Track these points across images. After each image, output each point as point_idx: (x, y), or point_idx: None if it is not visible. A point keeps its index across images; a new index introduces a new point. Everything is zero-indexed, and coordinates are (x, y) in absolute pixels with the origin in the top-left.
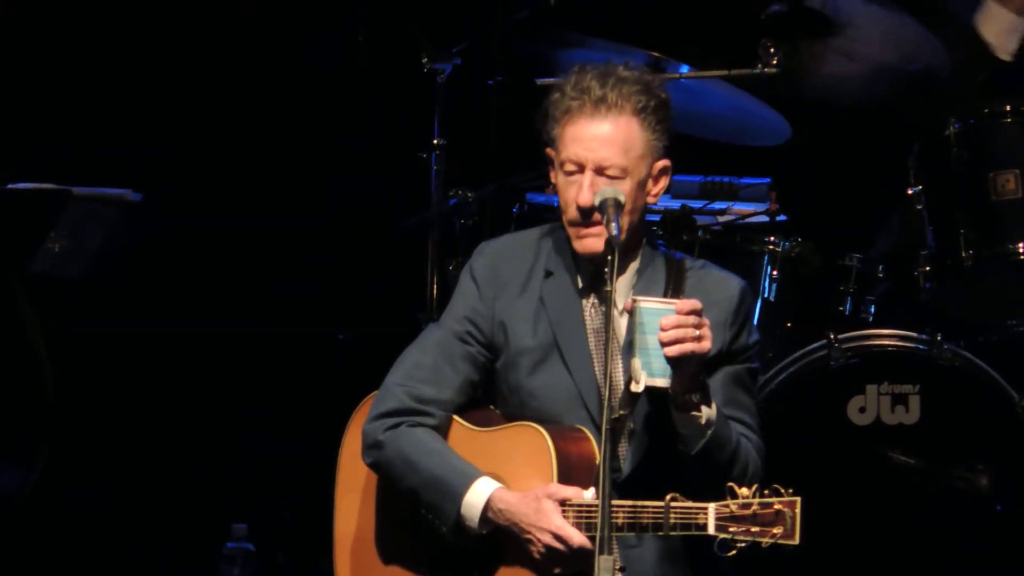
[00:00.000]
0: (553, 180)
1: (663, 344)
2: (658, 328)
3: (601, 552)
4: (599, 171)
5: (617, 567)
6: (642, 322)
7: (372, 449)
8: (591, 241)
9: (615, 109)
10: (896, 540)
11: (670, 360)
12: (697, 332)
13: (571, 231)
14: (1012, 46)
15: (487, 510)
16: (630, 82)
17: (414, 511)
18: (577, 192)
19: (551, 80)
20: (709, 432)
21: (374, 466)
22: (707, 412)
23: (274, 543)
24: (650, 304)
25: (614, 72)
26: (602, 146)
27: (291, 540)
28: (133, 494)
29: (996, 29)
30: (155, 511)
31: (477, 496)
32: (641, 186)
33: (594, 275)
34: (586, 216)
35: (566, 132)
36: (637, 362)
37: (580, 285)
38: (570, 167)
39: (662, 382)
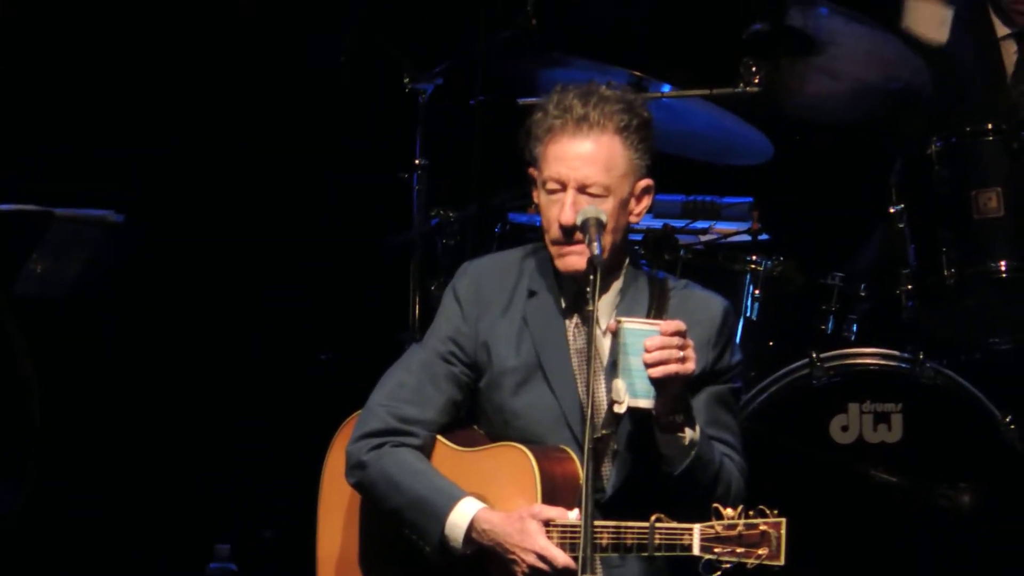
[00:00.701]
0: (535, 199)
1: (647, 365)
2: (642, 349)
3: (583, 572)
4: (581, 189)
5: None
6: (626, 343)
7: (355, 469)
8: (573, 259)
9: (597, 128)
10: (879, 559)
11: (654, 381)
12: (681, 353)
13: (553, 250)
14: (944, 34)
15: (471, 530)
16: (612, 101)
17: (398, 531)
18: (559, 211)
19: (533, 100)
20: (693, 453)
21: (357, 486)
22: (691, 433)
23: (256, 563)
24: (634, 325)
25: (596, 91)
26: (584, 164)
27: (273, 560)
28: (117, 514)
29: (926, 22)
30: (139, 531)
31: (461, 516)
32: (623, 205)
33: (577, 295)
34: (568, 235)
35: (548, 151)
36: (621, 383)
37: (563, 305)
38: (552, 185)
39: (646, 403)
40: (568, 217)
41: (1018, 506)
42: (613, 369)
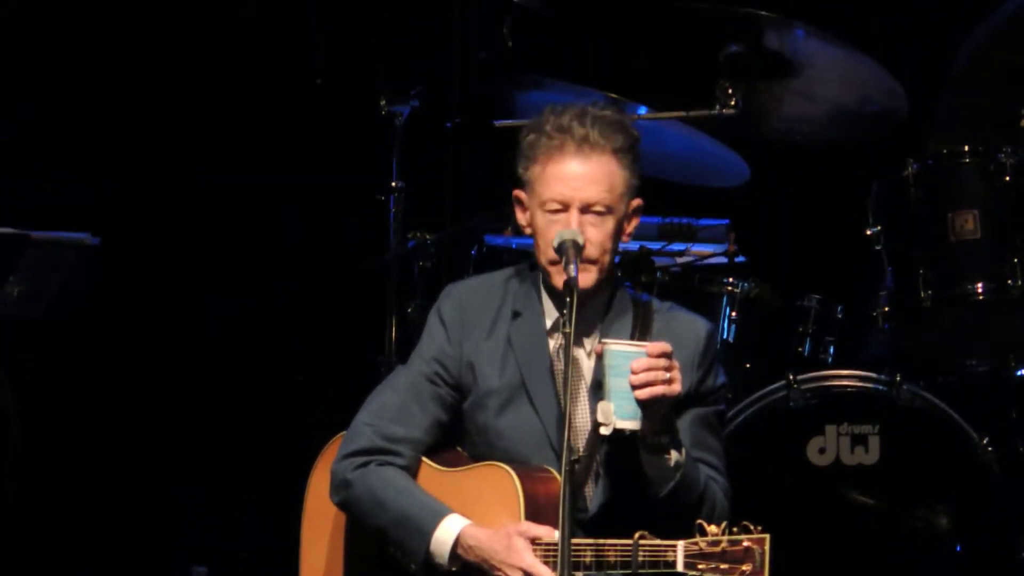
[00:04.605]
0: (522, 221)
1: (633, 387)
2: (628, 371)
3: None
4: (584, 209)
5: None
6: (612, 364)
7: (341, 488)
8: (579, 278)
9: (598, 148)
10: None
11: (640, 403)
12: (668, 375)
13: (552, 269)
14: None
15: (457, 546)
16: (608, 121)
17: (383, 550)
18: (562, 231)
19: (510, 122)
20: (678, 475)
21: (342, 505)
22: (676, 455)
23: None
24: (620, 347)
25: (590, 111)
26: (588, 185)
27: None
28: (93, 535)
29: None
30: (116, 552)
31: (446, 533)
32: (620, 224)
33: (562, 316)
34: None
35: (548, 171)
36: (607, 405)
37: (547, 326)
38: (553, 206)
39: (632, 424)
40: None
41: (995, 528)
42: (598, 390)
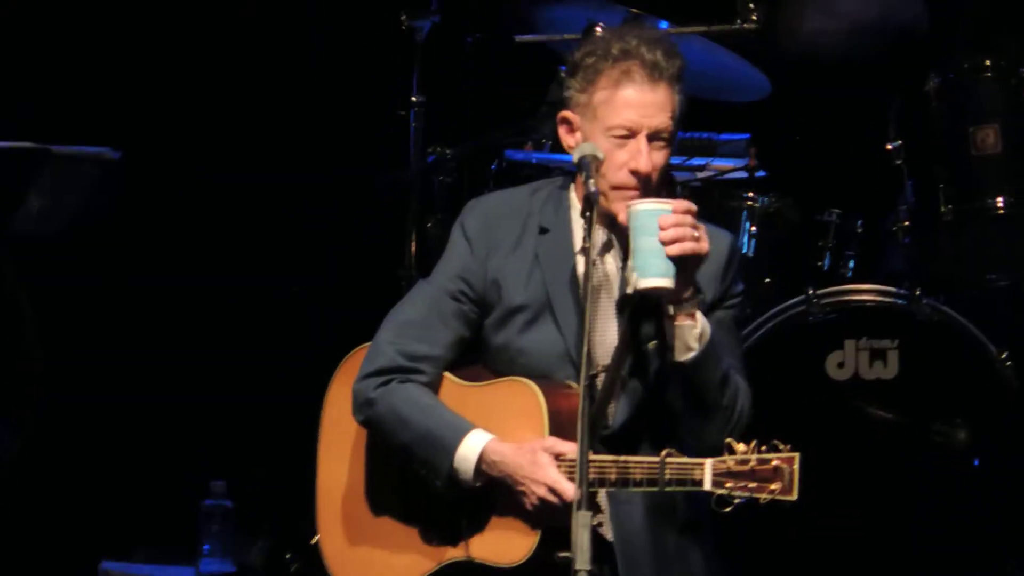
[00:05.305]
0: (570, 143)
1: (664, 244)
2: (656, 229)
3: (579, 509)
4: (653, 137)
5: (594, 523)
6: (639, 226)
7: (364, 407)
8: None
9: (665, 74)
10: (874, 495)
11: (672, 260)
12: (696, 232)
13: (614, 194)
14: None
15: (481, 462)
16: (667, 45)
17: (403, 465)
18: (631, 157)
19: (530, 37)
20: (704, 342)
21: (365, 423)
22: (701, 321)
23: (252, 500)
24: (646, 205)
25: (650, 35)
26: (658, 112)
27: (269, 497)
28: (111, 452)
29: None
30: (134, 469)
31: (470, 449)
32: (673, 150)
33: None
34: (644, 183)
35: (617, 96)
36: (637, 264)
37: (576, 245)
38: (621, 132)
39: (665, 282)
40: (647, 165)
41: (1014, 442)
42: (627, 256)
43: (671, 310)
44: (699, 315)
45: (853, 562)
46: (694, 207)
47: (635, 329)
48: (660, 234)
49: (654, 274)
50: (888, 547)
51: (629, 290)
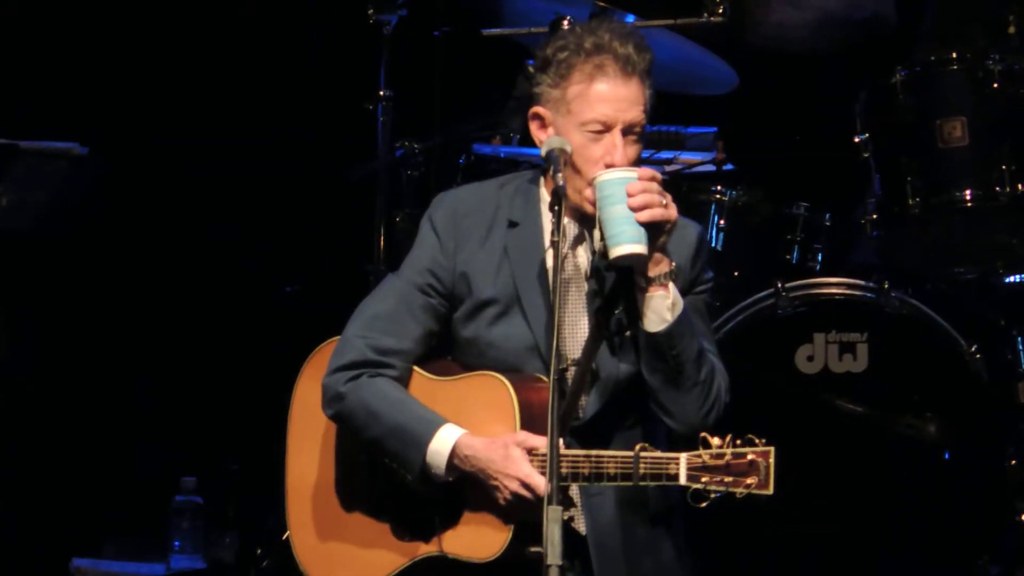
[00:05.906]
0: (541, 138)
1: (633, 210)
2: (624, 196)
3: (550, 503)
4: (627, 131)
5: (565, 517)
6: (608, 195)
7: (334, 401)
8: None
9: (638, 68)
10: (844, 488)
11: (643, 226)
12: (663, 199)
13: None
14: None
15: (453, 457)
16: (637, 39)
17: (372, 458)
18: (606, 152)
19: (498, 31)
20: (677, 312)
21: (336, 418)
22: (674, 292)
23: (222, 496)
24: (613, 174)
25: (621, 28)
26: (632, 106)
27: (239, 492)
28: (82, 449)
29: None
30: (104, 466)
31: (442, 443)
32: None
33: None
34: None
35: (591, 91)
36: (607, 232)
37: (546, 239)
38: (596, 127)
39: (638, 248)
40: (622, 159)
41: (983, 435)
42: (598, 226)
43: (643, 282)
44: (671, 287)
45: (823, 554)
46: (659, 175)
47: (606, 317)
48: (629, 200)
49: (627, 240)
50: (858, 540)
51: (601, 263)
